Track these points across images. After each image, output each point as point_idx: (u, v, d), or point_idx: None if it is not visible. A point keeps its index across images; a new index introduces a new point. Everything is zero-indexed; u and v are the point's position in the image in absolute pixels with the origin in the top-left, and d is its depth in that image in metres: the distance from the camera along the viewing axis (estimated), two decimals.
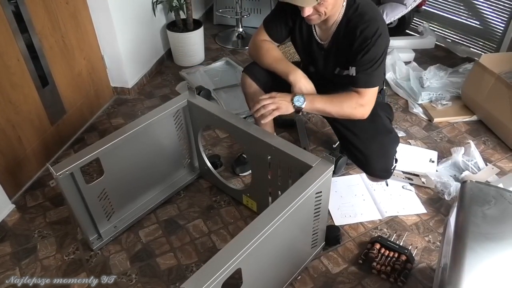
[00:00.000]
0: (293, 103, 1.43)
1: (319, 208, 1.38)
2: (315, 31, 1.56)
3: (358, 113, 1.49)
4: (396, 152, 1.62)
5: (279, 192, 1.55)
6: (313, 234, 1.47)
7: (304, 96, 1.45)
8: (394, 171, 1.91)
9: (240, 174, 1.96)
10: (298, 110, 1.45)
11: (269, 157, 1.48)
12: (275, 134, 1.82)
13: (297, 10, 1.47)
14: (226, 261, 1.05)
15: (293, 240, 1.37)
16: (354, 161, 1.67)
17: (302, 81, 1.50)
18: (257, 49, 1.62)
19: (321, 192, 1.33)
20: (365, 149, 1.57)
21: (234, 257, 1.06)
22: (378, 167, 1.60)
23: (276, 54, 1.59)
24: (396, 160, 1.64)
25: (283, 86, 1.54)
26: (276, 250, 1.28)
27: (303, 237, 1.44)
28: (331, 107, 1.48)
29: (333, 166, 1.31)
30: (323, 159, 1.32)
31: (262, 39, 1.62)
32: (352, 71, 1.46)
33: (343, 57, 1.51)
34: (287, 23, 1.59)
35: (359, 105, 1.47)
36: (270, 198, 1.63)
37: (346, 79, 1.51)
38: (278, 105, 1.43)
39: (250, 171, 1.87)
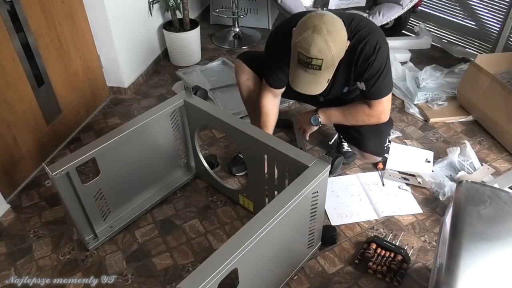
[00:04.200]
0: (311, 123, 1.69)
1: (315, 208, 1.38)
2: None
3: (372, 122, 1.58)
4: (390, 134, 1.68)
5: (276, 192, 1.55)
6: (309, 234, 1.47)
7: (318, 114, 1.66)
8: (390, 171, 1.92)
9: (237, 174, 1.96)
10: (317, 125, 1.70)
11: (265, 157, 1.48)
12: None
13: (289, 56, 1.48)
14: (223, 261, 1.04)
15: (290, 240, 1.37)
16: (349, 140, 1.74)
17: None
18: (258, 109, 1.71)
19: (317, 192, 1.33)
20: (361, 128, 1.65)
21: (230, 257, 1.06)
22: (372, 144, 1.67)
23: (266, 123, 1.73)
24: (390, 141, 1.67)
25: None
26: (273, 250, 1.28)
27: (299, 237, 1.44)
28: (346, 121, 1.62)
29: (330, 166, 1.31)
30: (320, 159, 1.33)
31: (266, 98, 1.69)
32: (362, 85, 1.50)
33: (349, 76, 1.52)
34: (284, 70, 1.56)
35: (371, 116, 1.55)
36: (266, 198, 1.63)
37: (357, 91, 1.57)
38: (304, 127, 1.76)
39: (246, 171, 1.87)
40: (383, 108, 1.54)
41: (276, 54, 1.54)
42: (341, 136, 2.02)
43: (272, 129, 1.75)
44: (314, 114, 1.66)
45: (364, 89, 1.50)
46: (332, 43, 1.26)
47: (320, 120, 1.66)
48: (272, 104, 1.69)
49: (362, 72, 1.46)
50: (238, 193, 1.77)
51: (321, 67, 1.28)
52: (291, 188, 1.25)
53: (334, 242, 1.63)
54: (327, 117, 1.65)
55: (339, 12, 1.43)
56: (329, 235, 1.61)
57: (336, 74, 1.48)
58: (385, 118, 1.57)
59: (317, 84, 1.35)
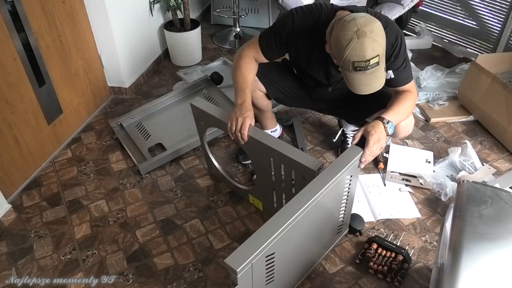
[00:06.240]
0: (388, 133, 1.44)
1: (348, 192, 1.42)
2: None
3: (415, 101, 1.58)
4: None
5: (283, 194, 1.55)
6: (340, 219, 1.51)
7: (389, 120, 1.45)
8: (392, 173, 1.92)
9: (243, 162, 2.01)
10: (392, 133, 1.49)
11: (271, 159, 1.48)
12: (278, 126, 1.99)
13: (304, 44, 1.52)
14: (263, 242, 1.07)
15: (322, 224, 1.41)
16: (367, 115, 1.68)
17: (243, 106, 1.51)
18: (238, 59, 1.60)
19: (351, 176, 1.37)
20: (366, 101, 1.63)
21: (269, 239, 1.08)
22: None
23: (245, 75, 1.58)
24: None
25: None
26: (306, 234, 1.32)
27: (331, 222, 1.48)
28: (404, 116, 1.54)
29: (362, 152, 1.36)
30: (353, 147, 1.38)
31: (249, 54, 1.60)
32: (390, 74, 1.51)
33: None
34: (288, 50, 1.60)
35: (415, 98, 1.56)
36: (274, 198, 1.63)
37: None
38: (382, 145, 1.42)
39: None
40: (413, 85, 1.58)
41: (284, 32, 1.53)
42: (346, 134, 2.02)
43: (248, 80, 1.60)
44: (383, 121, 1.44)
45: (393, 76, 1.51)
46: (379, 38, 1.28)
47: (393, 125, 1.47)
48: (250, 65, 1.60)
49: (387, 59, 1.46)
50: (247, 192, 1.78)
51: (379, 62, 1.31)
52: (328, 171, 1.27)
53: (359, 230, 1.65)
54: (394, 121, 1.48)
55: (352, 8, 1.44)
56: (356, 222, 1.64)
57: None
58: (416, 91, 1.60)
59: (379, 78, 1.35)
